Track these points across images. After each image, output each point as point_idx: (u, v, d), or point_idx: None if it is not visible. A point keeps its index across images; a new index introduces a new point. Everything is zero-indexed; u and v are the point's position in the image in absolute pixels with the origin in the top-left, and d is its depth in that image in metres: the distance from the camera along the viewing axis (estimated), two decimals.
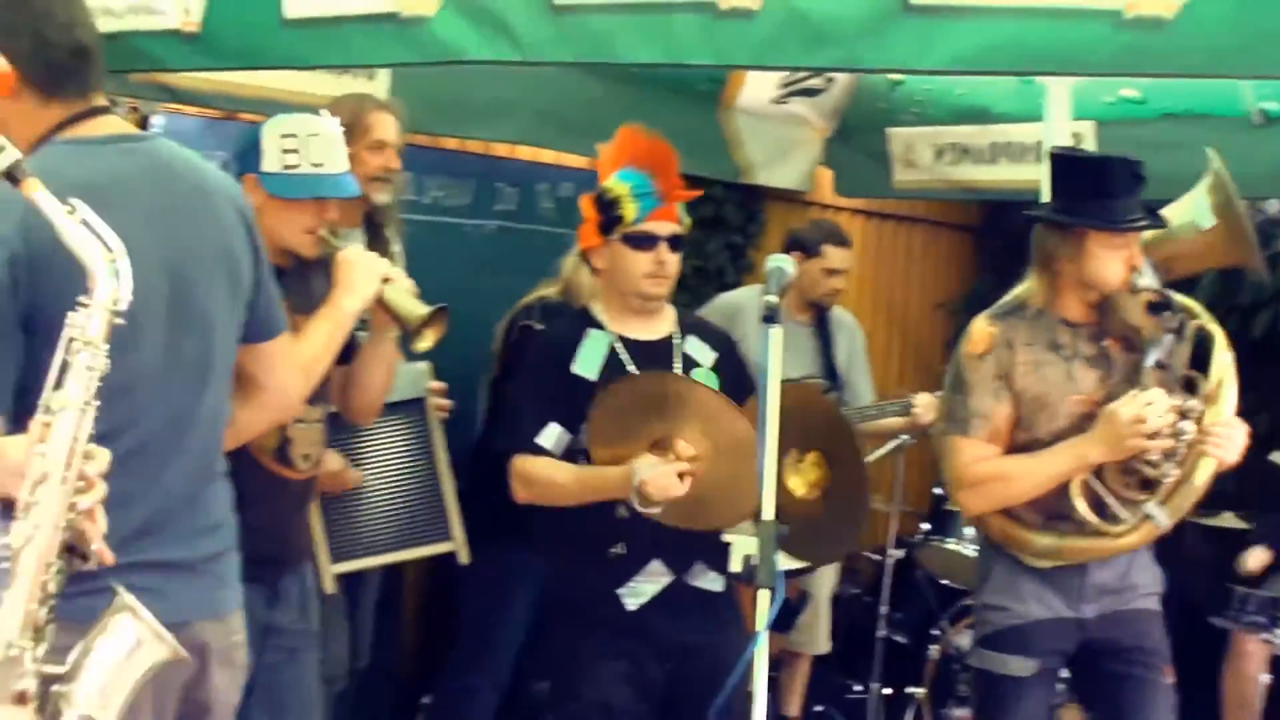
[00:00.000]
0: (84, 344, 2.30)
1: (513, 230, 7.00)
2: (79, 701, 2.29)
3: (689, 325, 4.62)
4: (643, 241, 4.37)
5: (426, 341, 4.09)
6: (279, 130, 4.04)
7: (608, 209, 4.39)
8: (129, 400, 2.94)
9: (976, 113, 7.04)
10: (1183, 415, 4.31)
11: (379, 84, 5.70)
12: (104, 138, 3.12)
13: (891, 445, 7.35)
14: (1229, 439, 4.34)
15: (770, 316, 3.61)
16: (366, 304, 3.99)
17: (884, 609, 7.38)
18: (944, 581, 7.56)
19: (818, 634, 7.14)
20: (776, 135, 7.65)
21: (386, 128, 5.02)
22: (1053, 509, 4.39)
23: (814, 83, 7.29)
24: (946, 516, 7.42)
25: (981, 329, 4.48)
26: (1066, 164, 4.53)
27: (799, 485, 4.42)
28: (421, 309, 4.04)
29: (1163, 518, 4.34)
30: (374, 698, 5.92)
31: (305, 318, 3.84)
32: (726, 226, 8.36)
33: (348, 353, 4.24)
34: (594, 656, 4.38)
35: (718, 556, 4.48)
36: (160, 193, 3.12)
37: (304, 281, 4.03)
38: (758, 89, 7.22)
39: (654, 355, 4.47)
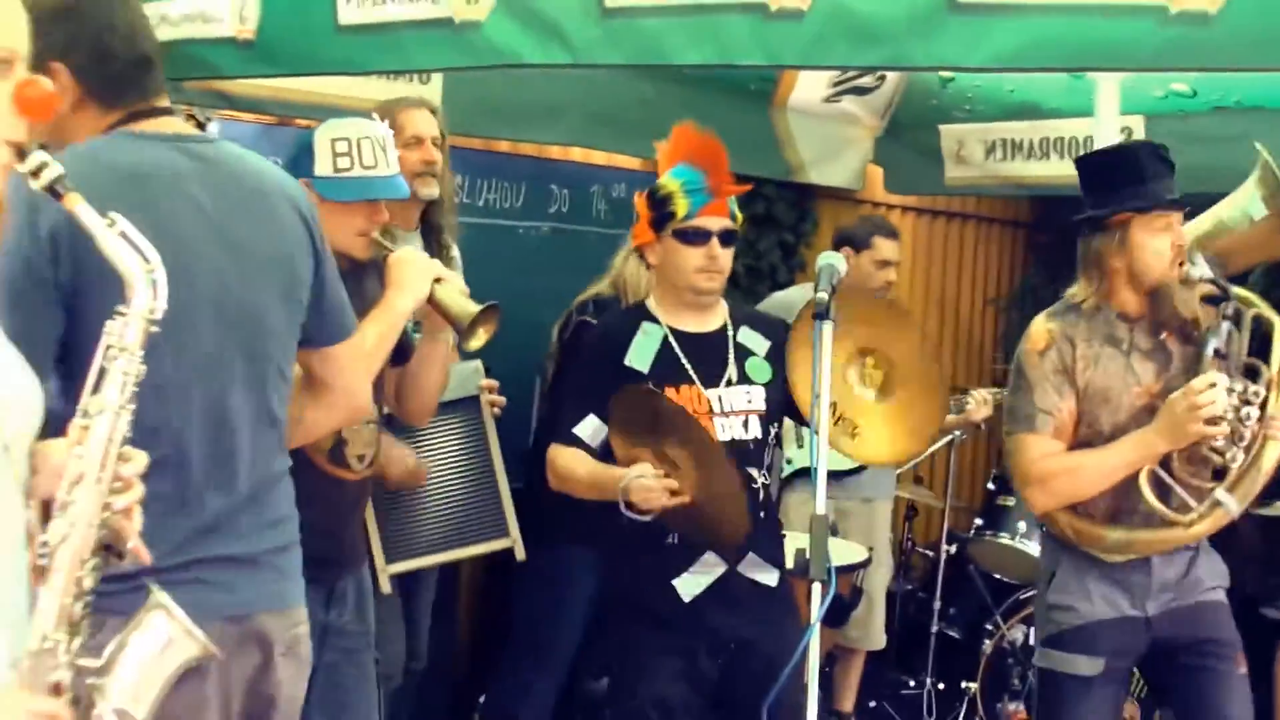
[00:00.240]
0: (120, 350, 2.34)
1: (566, 232, 7.03)
2: (113, 695, 2.32)
3: (741, 317, 4.63)
4: (694, 236, 4.40)
5: (478, 340, 4.13)
6: (331, 135, 4.08)
7: (660, 205, 4.41)
8: (178, 393, 2.99)
9: (1027, 108, 7.05)
10: (1245, 401, 4.31)
11: (432, 88, 5.74)
12: (162, 134, 3.16)
13: (943, 441, 7.38)
14: None
15: (822, 313, 3.64)
16: (419, 303, 4.02)
17: (937, 604, 7.41)
18: (997, 576, 7.57)
19: (872, 630, 7.13)
20: (828, 133, 7.67)
21: (419, 123, 5.05)
22: (1120, 504, 4.38)
23: (865, 81, 7.30)
24: (999, 511, 7.43)
25: (1040, 327, 4.49)
26: (1092, 162, 4.55)
27: (867, 389, 4.43)
28: (473, 307, 4.08)
29: (1232, 504, 4.32)
30: (430, 696, 5.96)
31: (358, 319, 3.88)
32: (778, 225, 8.36)
33: (402, 355, 4.29)
34: (650, 653, 4.39)
35: (772, 549, 4.52)
36: (214, 191, 3.15)
37: (357, 284, 4.07)
38: (809, 88, 7.24)
39: (707, 347, 4.49)
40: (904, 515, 7.93)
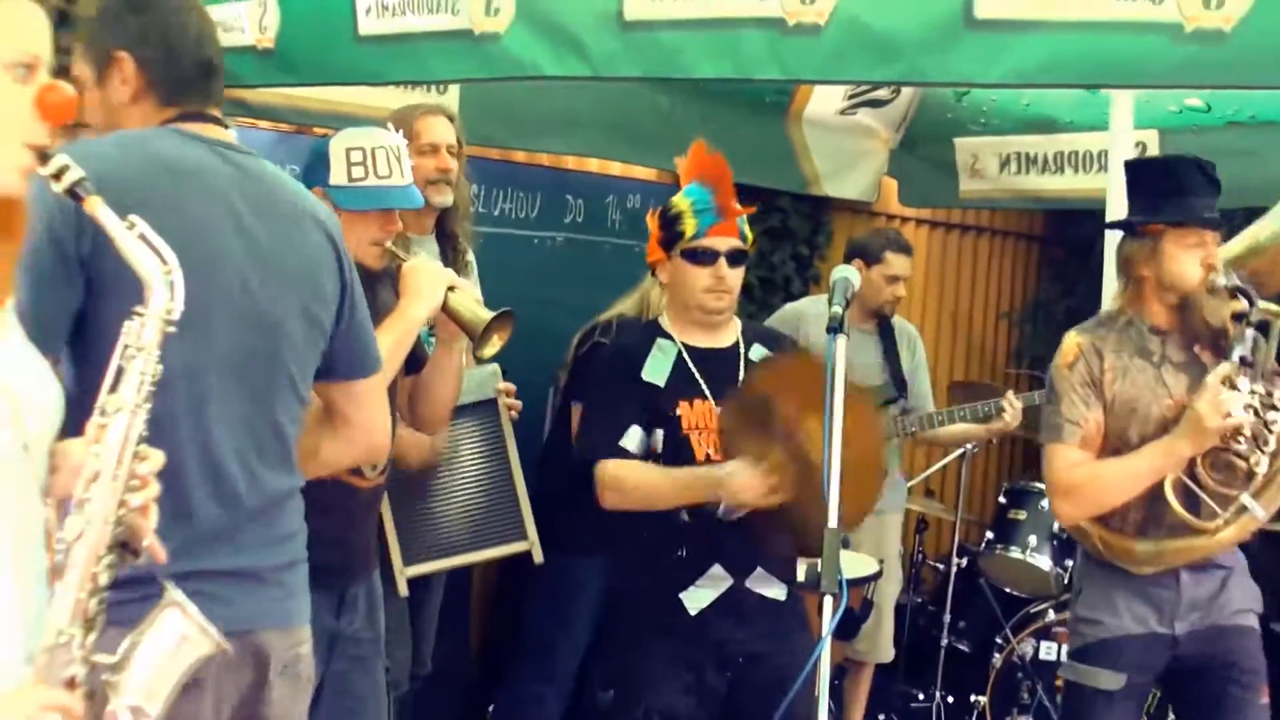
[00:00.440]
0: (138, 350, 2.36)
1: (581, 242, 7.03)
2: (127, 691, 2.33)
3: (753, 334, 4.65)
4: (702, 256, 4.41)
5: (492, 347, 4.14)
6: (346, 144, 4.10)
7: (669, 224, 4.43)
8: (193, 384, 3.00)
9: (1042, 122, 7.06)
10: (1271, 406, 4.33)
11: (449, 98, 5.75)
12: (207, 138, 3.18)
13: (955, 454, 7.40)
14: None
15: (836, 327, 3.66)
16: (433, 311, 4.04)
17: (947, 617, 7.41)
18: (1007, 590, 7.56)
19: (881, 642, 7.13)
20: (843, 146, 7.68)
21: (434, 131, 5.06)
22: (1148, 515, 4.39)
23: (880, 94, 7.32)
24: (1010, 525, 7.43)
25: (1070, 340, 4.52)
26: (1137, 169, 4.58)
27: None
28: (486, 314, 4.09)
29: (1258, 509, 4.33)
30: (442, 704, 5.96)
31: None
32: (793, 237, 8.37)
33: (416, 363, 4.31)
34: (656, 666, 4.40)
35: (780, 564, 4.52)
36: (248, 199, 3.17)
37: (371, 293, 4.08)
38: (825, 100, 7.25)
39: (720, 363, 4.50)
40: (914, 528, 7.93)
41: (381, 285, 4.12)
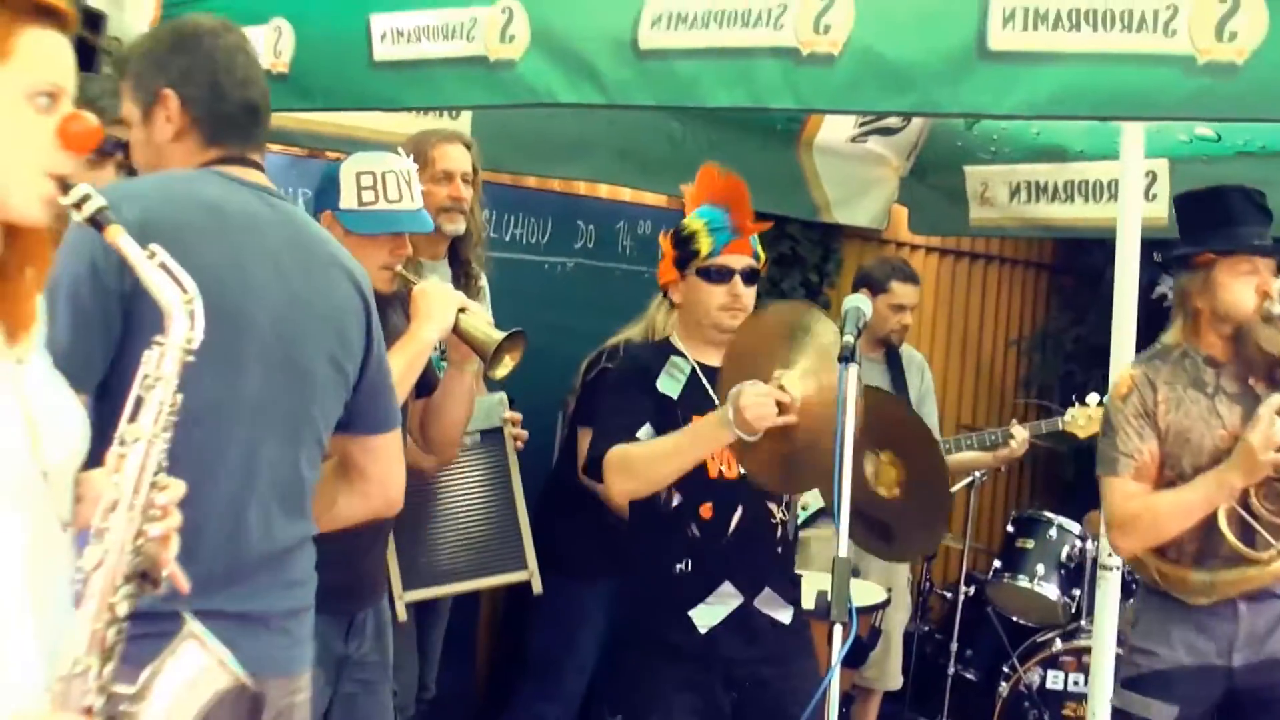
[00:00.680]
0: (156, 379, 2.35)
1: (591, 267, 7.05)
2: None
3: None
4: (718, 275, 4.42)
5: (504, 368, 4.16)
6: (356, 168, 4.12)
7: (684, 244, 4.44)
8: (221, 422, 3.01)
9: (1053, 151, 7.06)
10: None
11: (462, 123, 5.76)
12: (247, 181, 3.21)
13: (963, 483, 7.40)
14: None
15: (848, 356, 3.66)
16: (444, 333, 4.06)
17: (955, 646, 7.41)
18: (1015, 619, 7.57)
19: (889, 670, 7.14)
20: (853, 173, 7.69)
21: (450, 159, 5.09)
22: (1204, 546, 4.41)
23: (891, 122, 7.32)
24: (1018, 554, 7.44)
25: (1124, 372, 4.56)
26: (1188, 200, 4.60)
27: (881, 486, 4.42)
28: (498, 334, 4.11)
29: None
30: None
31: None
32: (802, 264, 8.38)
33: (427, 387, 4.32)
34: (664, 688, 4.38)
35: (788, 586, 4.53)
36: (286, 244, 3.19)
37: (381, 317, 4.10)
38: (836, 128, 7.26)
39: None
40: (923, 556, 7.93)
41: (392, 309, 4.14)
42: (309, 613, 3.29)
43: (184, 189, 3.10)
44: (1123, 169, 5.10)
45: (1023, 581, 7.34)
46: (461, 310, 4.11)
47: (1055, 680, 7.05)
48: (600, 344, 5.76)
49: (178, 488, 2.40)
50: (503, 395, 5.14)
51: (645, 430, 4.34)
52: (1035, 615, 7.45)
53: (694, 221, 4.45)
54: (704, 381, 4.46)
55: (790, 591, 4.52)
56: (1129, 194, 4.88)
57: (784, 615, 4.49)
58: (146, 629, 2.39)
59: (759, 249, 4.53)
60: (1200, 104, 3.22)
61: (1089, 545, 7.19)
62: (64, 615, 2.28)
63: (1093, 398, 6.89)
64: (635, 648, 4.53)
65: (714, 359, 4.50)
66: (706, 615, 4.38)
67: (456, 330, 4.10)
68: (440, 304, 4.08)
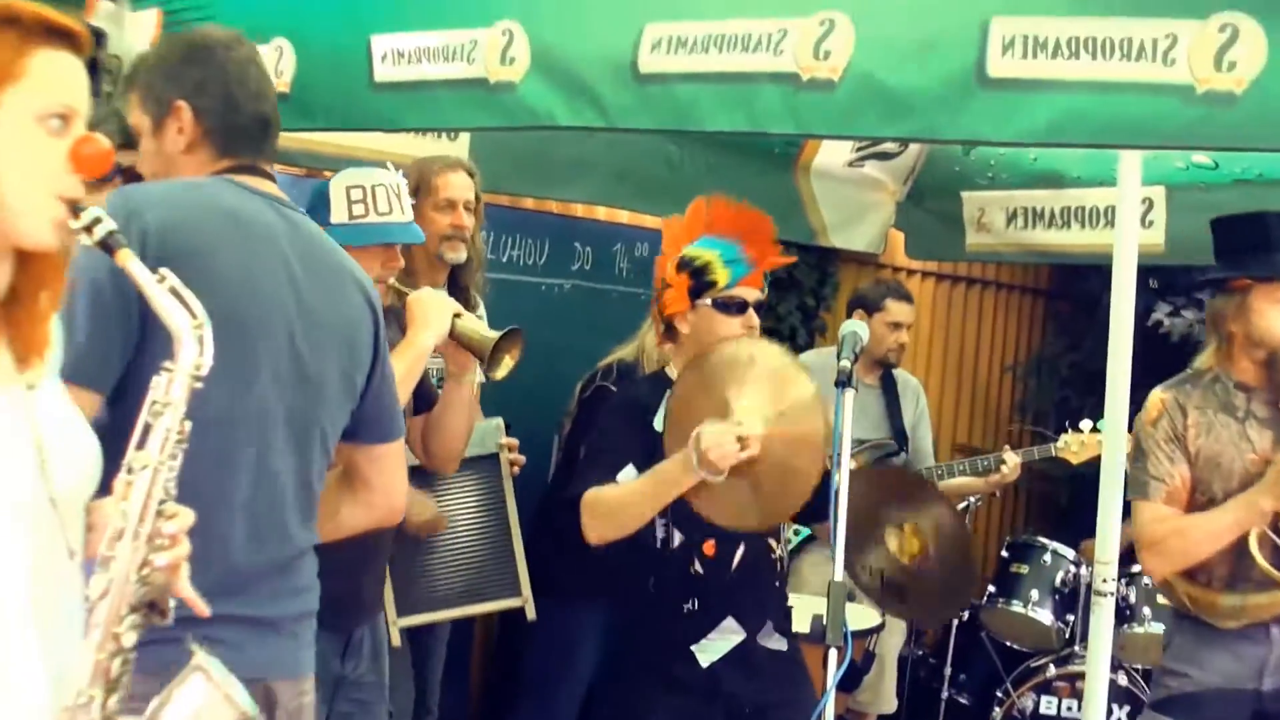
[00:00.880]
0: (164, 406, 2.34)
1: (588, 289, 7.06)
2: None
3: None
4: (734, 307, 4.43)
5: (504, 368, 4.17)
6: (345, 183, 4.16)
7: (698, 274, 4.43)
8: (235, 432, 3.02)
9: (1050, 177, 7.06)
10: None
11: (460, 145, 5.77)
12: (260, 191, 3.22)
13: (958, 508, 7.40)
14: None
15: (844, 381, 3.67)
16: (441, 338, 4.08)
17: (948, 670, 7.42)
18: (1009, 644, 7.57)
19: (883, 694, 7.13)
20: (850, 198, 7.69)
21: (454, 187, 5.09)
22: (1235, 570, 4.42)
23: (888, 146, 7.33)
24: (1012, 579, 7.44)
25: (1154, 397, 4.57)
26: (1224, 225, 4.61)
27: (903, 555, 4.42)
28: (494, 333, 4.12)
29: None
30: None
31: None
32: (799, 288, 8.39)
33: (427, 402, 4.32)
34: (661, 717, 4.39)
35: (785, 617, 4.54)
36: (299, 254, 3.20)
37: None
38: (833, 152, 7.26)
39: None
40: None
41: (387, 324, 4.14)
42: (313, 618, 3.31)
43: (201, 196, 3.10)
44: (1120, 196, 5.09)
45: (1017, 606, 7.33)
46: (456, 315, 4.13)
47: (1049, 705, 7.05)
48: (596, 366, 5.77)
49: (186, 516, 2.38)
50: (499, 421, 5.15)
51: (627, 472, 4.32)
52: (1029, 640, 7.45)
53: (705, 252, 4.44)
54: None
55: (785, 622, 4.53)
56: (1126, 221, 4.88)
57: (780, 645, 4.49)
58: (153, 634, 2.40)
59: (765, 281, 4.56)
60: (1199, 133, 3.22)
61: (1083, 571, 7.20)
62: (72, 643, 2.26)
63: (1086, 424, 6.90)
64: (633, 679, 4.52)
65: None
66: (709, 650, 4.38)
67: (453, 334, 4.11)
68: (436, 310, 4.10)
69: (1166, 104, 3.17)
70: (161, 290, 2.35)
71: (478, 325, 4.21)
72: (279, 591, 3.17)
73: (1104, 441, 4.88)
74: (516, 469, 5.19)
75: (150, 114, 3.26)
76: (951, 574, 4.37)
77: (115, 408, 2.86)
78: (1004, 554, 7.64)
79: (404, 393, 3.87)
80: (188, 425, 2.36)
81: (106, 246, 2.30)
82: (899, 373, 7.10)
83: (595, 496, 4.28)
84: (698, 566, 4.35)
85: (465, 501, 5.09)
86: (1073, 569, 7.32)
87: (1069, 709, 6.99)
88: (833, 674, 3.44)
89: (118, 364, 2.91)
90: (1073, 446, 6.93)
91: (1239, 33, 3.02)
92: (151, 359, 2.66)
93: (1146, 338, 6.90)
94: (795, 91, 3.54)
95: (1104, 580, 4.79)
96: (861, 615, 6.09)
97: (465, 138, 5.81)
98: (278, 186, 3.33)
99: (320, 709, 3.82)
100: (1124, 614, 6.87)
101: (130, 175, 3.62)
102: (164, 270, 2.37)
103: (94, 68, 4.40)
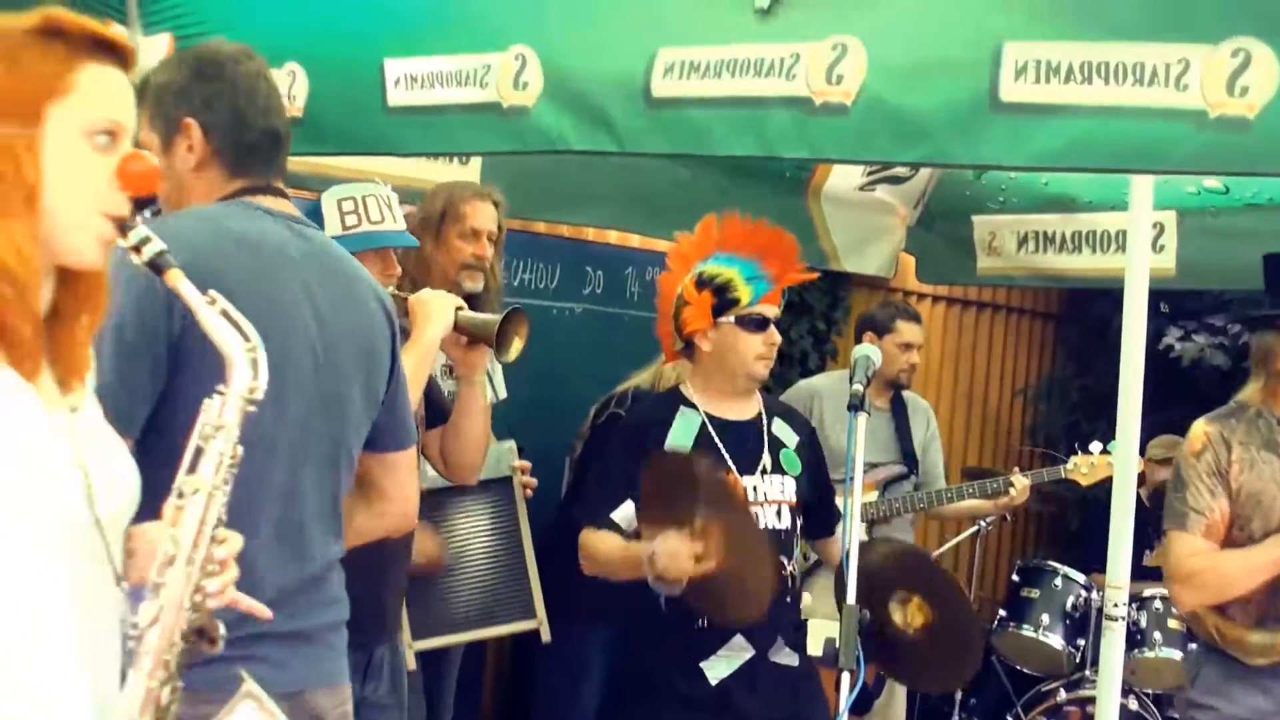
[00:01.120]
0: (217, 429, 2.31)
1: (599, 313, 7.08)
2: None
3: (775, 409, 4.70)
4: (756, 324, 4.46)
5: (514, 350, 4.18)
6: (336, 196, 4.22)
7: (720, 291, 4.46)
8: (267, 456, 3.01)
9: (1062, 201, 7.06)
10: None
11: (471, 169, 5.79)
12: (276, 211, 3.21)
13: (969, 532, 7.41)
14: None
15: (857, 404, 3.68)
16: (447, 330, 4.10)
17: (959, 694, 7.40)
18: (1019, 668, 7.57)
19: (894, 717, 7.12)
20: (862, 221, 7.69)
21: (480, 217, 5.09)
22: (1266, 607, 4.39)
23: (899, 170, 7.33)
24: (1023, 603, 7.43)
25: (1199, 429, 4.53)
26: (1275, 260, 4.59)
27: (907, 626, 4.41)
28: (497, 316, 4.14)
29: None
30: None
31: None
32: (810, 312, 8.40)
33: (441, 414, 4.33)
34: None
35: (795, 635, 4.54)
36: (316, 275, 3.20)
37: None
38: (844, 176, 7.26)
39: (743, 435, 4.54)
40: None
41: None
42: (344, 628, 3.32)
43: (215, 227, 3.08)
44: (1131, 220, 5.10)
45: (1027, 631, 7.33)
46: (458, 309, 4.15)
47: None
48: (607, 390, 5.78)
49: (235, 541, 2.37)
50: (512, 443, 5.16)
51: (625, 509, 4.41)
52: (1040, 665, 7.44)
53: (725, 270, 4.47)
54: (714, 436, 4.48)
55: (795, 637, 4.53)
56: (1137, 245, 4.88)
57: (791, 660, 4.50)
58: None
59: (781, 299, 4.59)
60: (1211, 158, 3.22)
61: (1094, 596, 7.19)
62: (113, 669, 2.25)
63: (1095, 445, 6.90)
64: (643, 695, 4.54)
65: (727, 411, 4.54)
66: (718, 667, 4.39)
67: (458, 326, 4.13)
68: (438, 305, 4.13)
69: (1179, 129, 3.17)
70: (213, 312, 2.33)
71: (480, 314, 4.23)
72: (312, 603, 3.18)
73: (1115, 466, 4.87)
74: (529, 491, 5.20)
75: (159, 132, 3.22)
76: (951, 654, 4.37)
77: (146, 436, 2.86)
78: (1015, 578, 7.63)
79: (415, 390, 3.87)
80: (240, 449, 2.34)
81: (156, 267, 2.29)
82: (909, 395, 7.10)
83: (586, 541, 4.45)
84: None
85: (479, 524, 5.11)
86: (1083, 593, 7.31)
87: None
88: (845, 697, 3.44)
89: (145, 407, 2.90)
90: (1082, 468, 6.93)
91: (1251, 58, 3.02)
92: (185, 389, 2.67)
93: (1157, 362, 6.89)
94: (808, 116, 3.54)
95: (1115, 605, 4.79)
96: None
97: (477, 162, 5.83)
98: (291, 204, 3.32)
99: None
100: (1135, 639, 6.86)
101: (138, 203, 3.64)
102: (213, 292, 2.35)
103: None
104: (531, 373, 4.20)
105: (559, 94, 3.94)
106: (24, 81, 2.15)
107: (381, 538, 3.92)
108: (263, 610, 2.40)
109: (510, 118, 4.01)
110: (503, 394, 5.44)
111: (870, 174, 7.35)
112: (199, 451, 2.32)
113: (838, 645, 3.54)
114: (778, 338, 4.52)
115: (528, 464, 5.22)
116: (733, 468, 4.47)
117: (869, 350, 3.97)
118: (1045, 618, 7.29)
